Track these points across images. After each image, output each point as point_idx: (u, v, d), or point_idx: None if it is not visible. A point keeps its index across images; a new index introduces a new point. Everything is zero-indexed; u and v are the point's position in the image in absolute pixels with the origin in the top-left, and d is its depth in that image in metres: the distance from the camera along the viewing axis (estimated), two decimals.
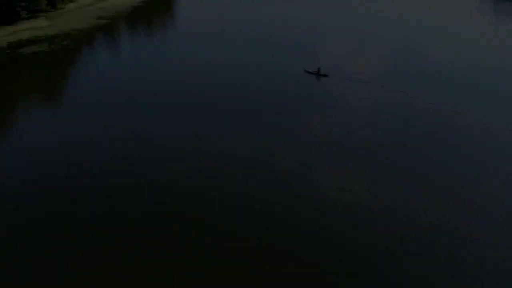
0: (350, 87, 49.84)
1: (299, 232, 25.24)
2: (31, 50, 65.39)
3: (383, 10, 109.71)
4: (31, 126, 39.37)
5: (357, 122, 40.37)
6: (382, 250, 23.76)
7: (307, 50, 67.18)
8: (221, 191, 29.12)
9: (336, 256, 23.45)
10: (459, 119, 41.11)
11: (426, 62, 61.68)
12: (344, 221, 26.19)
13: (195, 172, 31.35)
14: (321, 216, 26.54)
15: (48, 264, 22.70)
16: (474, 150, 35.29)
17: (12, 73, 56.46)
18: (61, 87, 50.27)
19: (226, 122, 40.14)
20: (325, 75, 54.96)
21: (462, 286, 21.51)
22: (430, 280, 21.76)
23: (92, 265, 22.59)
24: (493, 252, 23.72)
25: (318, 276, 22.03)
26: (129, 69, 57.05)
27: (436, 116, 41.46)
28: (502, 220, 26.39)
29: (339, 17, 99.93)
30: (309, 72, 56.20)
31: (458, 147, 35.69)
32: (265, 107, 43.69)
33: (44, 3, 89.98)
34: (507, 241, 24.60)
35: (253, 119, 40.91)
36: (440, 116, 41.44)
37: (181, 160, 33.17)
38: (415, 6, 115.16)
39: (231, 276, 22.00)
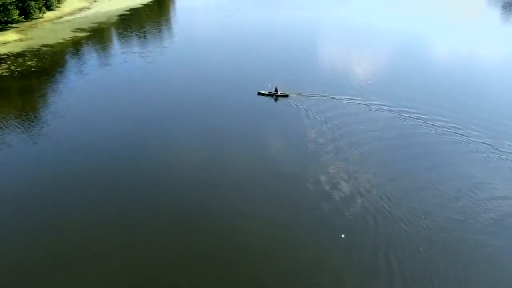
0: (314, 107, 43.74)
1: None
2: None
3: (382, 11, 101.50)
4: None
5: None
6: None
7: (267, 67, 59.41)
8: None
9: None
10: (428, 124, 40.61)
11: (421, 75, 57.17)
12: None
13: None
14: None
15: None
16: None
17: None
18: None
19: None
20: (285, 95, 45.97)
21: None
22: None
23: None
24: None
25: None
26: (101, 102, 47.28)
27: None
28: None
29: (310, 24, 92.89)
30: (263, 94, 46.92)
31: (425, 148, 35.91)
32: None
33: (16, 13, 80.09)
34: None
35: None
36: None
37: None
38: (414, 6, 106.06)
39: None
